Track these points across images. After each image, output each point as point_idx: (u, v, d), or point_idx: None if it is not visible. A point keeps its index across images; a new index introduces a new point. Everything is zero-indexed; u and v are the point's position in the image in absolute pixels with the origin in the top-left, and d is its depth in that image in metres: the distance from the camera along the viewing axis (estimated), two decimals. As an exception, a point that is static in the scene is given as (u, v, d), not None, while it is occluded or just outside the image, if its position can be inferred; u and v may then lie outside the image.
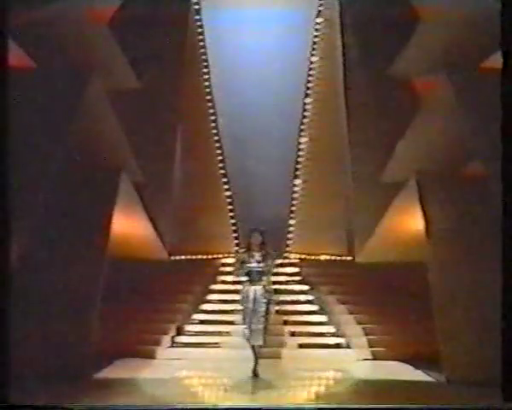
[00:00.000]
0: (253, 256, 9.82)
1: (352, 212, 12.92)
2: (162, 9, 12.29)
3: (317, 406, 8.29)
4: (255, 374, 9.58)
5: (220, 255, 13.15)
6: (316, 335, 11.47)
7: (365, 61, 12.64)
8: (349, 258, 13.04)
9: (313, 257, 13.28)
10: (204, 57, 13.70)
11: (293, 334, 11.47)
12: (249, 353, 9.74)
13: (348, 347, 11.29)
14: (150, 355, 11.04)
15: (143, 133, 12.03)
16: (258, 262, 9.78)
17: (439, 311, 9.69)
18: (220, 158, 13.71)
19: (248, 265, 9.82)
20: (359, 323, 11.59)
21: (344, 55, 13.18)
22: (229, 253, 12.94)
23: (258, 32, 13.68)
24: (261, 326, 9.64)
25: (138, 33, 12.13)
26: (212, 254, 13.25)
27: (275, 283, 10.97)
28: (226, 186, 13.69)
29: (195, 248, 13.25)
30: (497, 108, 7.66)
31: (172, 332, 11.53)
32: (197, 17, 13.65)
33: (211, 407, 8.26)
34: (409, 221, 10.88)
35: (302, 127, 13.76)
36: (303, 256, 13.27)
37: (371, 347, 11.19)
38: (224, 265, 12.80)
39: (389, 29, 11.97)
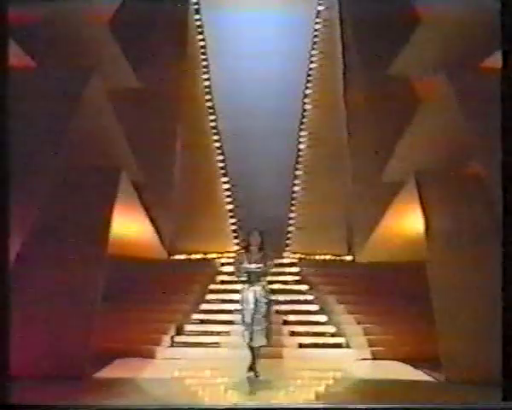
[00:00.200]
0: (251, 257, 9.78)
1: (351, 212, 12.94)
2: (162, 9, 12.31)
3: (317, 406, 8.29)
4: (255, 374, 9.57)
5: (220, 255, 13.15)
6: (316, 334, 11.47)
7: (365, 61, 12.66)
8: (349, 258, 13.05)
9: (313, 257, 13.28)
10: (204, 57, 13.71)
11: (292, 334, 11.47)
12: (249, 353, 9.73)
13: (348, 346, 11.30)
14: (150, 355, 11.03)
15: (143, 133, 12.04)
16: (257, 263, 9.73)
17: (439, 311, 9.69)
18: (220, 158, 13.72)
19: (247, 266, 9.77)
20: (359, 322, 11.59)
21: (344, 55, 13.20)
22: (229, 253, 12.94)
23: (258, 31, 13.70)
24: (263, 327, 9.62)
25: (138, 33, 12.14)
26: (212, 253, 13.25)
27: (275, 282, 11.02)
28: (226, 186, 13.70)
29: (195, 248, 13.25)
30: (497, 108, 7.66)
31: (172, 332, 11.53)
32: (197, 17, 13.67)
33: (211, 407, 8.27)
34: (408, 221, 10.89)
35: (302, 127, 13.78)
36: (303, 256, 13.27)
37: (371, 346, 11.19)
38: (223, 265, 12.80)
39: (389, 29, 11.98)
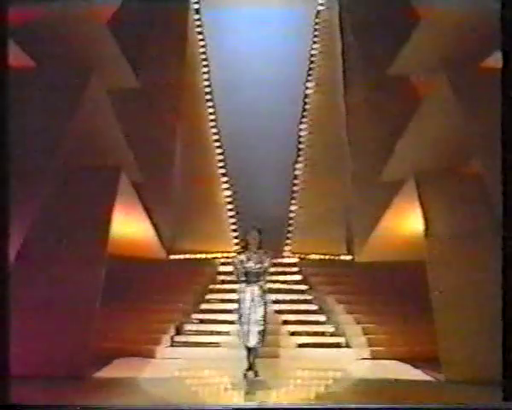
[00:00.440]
0: (250, 256, 9.75)
1: (351, 211, 12.94)
2: (162, 9, 12.30)
3: (317, 406, 8.29)
4: (255, 374, 9.56)
5: (219, 255, 13.15)
6: (315, 334, 11.47)
7: (365, 61, 12.66)
8: (348, 258, 13.06)
9: (313, 257, 13.28)
10: (204, 57, 13.71)
11: (292, 333, 11.47)
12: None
13: (347, 346, 11.30)
14: (150, 355, 11.04)
15: (143, 133, 12.05)
16: (256, 263, 9.71)
17: (439, 311, 9.69)
18: (220, 158, 13.72)
19: (246, 265, 9.74)
20: (358, 322, 11.59)
21: (344, 55, 13.20)
22: (229, 252, 12.93)
23: (258, 31, 13.69)
24: (259, 328, 9.59)
25: (138, 33, 12.14)
26: (212, 253, 13.25)
27: (275, 282, 11.01)
28: (226, 185, 13.70)
29: (195, 248, 13.25)
30: (497, 108, 7.67)
31: (172, 332, 11.53)
32: (197, 17, 13.67)
33: (211, 407, 8.26)
34: (408, 221, 10.90)
35: (301, 127, 13.77)
36: (302, 256, 13.27)
37: (370, 346, 11.19)
38: (223, 264, 12.80)
39: (388, 29, 11.98)
